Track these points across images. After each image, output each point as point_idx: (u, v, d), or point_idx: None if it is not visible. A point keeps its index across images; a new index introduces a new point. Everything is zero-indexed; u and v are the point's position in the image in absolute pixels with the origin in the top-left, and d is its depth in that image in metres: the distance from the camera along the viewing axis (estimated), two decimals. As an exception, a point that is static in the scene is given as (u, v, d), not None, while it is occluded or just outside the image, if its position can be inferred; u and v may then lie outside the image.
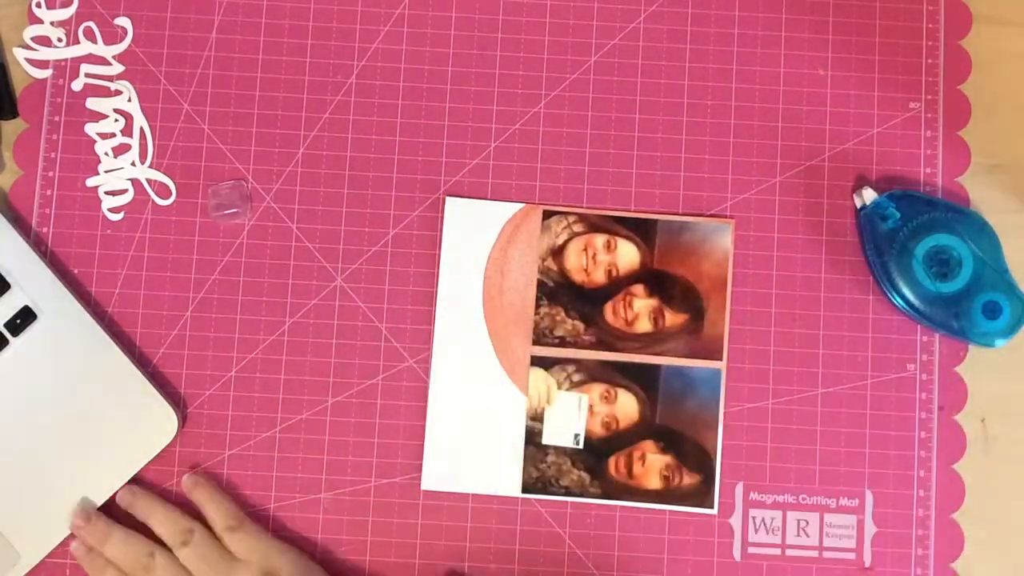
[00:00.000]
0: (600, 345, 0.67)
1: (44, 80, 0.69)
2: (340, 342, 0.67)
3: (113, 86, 0.69)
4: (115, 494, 0.65)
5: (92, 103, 0.69)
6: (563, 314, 0.67)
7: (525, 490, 0.66)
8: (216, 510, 0.65)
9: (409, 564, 0.66)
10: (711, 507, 0.66)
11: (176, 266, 0.68)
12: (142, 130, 0.69)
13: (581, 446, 0.66)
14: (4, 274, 0.66)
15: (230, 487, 0.66)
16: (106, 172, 0.69)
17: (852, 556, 0.66)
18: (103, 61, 0.69)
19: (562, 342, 0.67)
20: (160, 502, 0.65)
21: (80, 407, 0.65)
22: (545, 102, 0.69)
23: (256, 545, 0.64)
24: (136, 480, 0.66)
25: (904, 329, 0.68)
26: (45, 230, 0.68)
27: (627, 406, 0.67)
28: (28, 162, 0.68)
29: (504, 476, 0.66)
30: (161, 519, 0.64)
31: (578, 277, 0.68)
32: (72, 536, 0.65)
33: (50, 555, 0.65)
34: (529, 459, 0.66)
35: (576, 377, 0.67)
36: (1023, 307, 0.66)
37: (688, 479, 0.66)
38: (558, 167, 0.69)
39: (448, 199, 0.68)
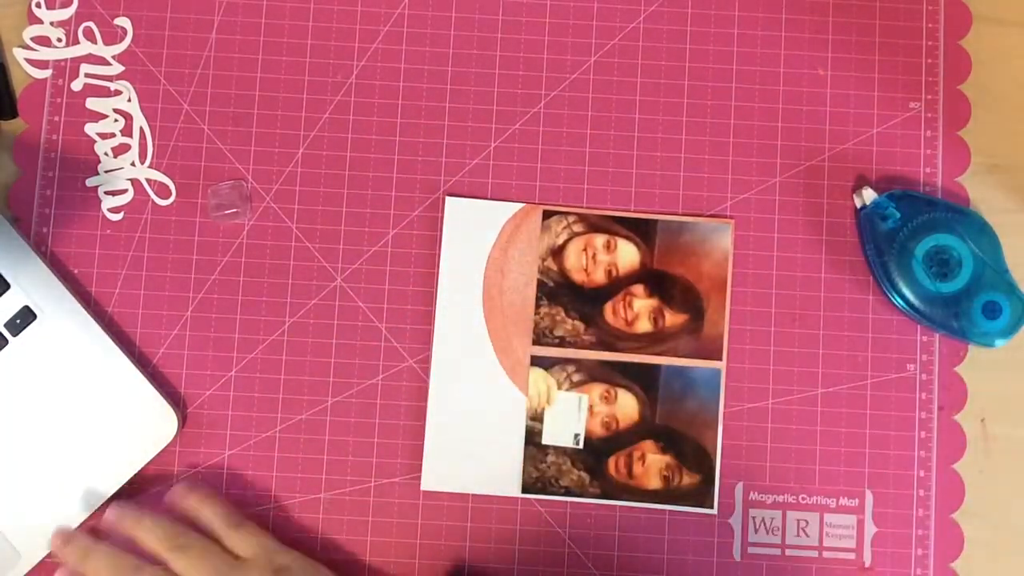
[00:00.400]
0: (600, 345, 0.67)
1: (44, 80, 0.69)
2: (340, 342, 0.67)
3: (113, 86, 0.69)
4: (108, 503, 0.65)
5: (92, 103, 0.69)
6: (563, 314, 0.67)
7: (525, 490, 0.66)
8: (214, 510, 0.63)
9: (409, 564, 0.66)
10: (711, 507, 0.66)
11: (176, 266, 0.68)
12: (142, 130, 0.69)
13: (581, 446, 0.66)
14: (4, 274, 0.66)
15: (230, 487, 0.66)
16: (106, 172, 0.69)
17: (852, 556, 0.66)
18: (103, 61, 0.69)
19: (562, 342, 0.67)
20: (148, 512, 0.62)
21: (80, 407, 0.65)
22: (545, 102, 0.69)
23: (262, 542, 0.62)
24: (136, 480, 0.66)
25: (904, 329, 0.68)
26: (45, 230, 0.68)
27: (627, 406, 0.67)
28: (28, 162, 0.68)
29: (504, 476, 0.66)
30: (150, 527, 0.61)
31: (578, 277, 0.68)
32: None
33: (50, 555, 0.65)
34: (529, 459, 0.66)
35: (576, 377, 0.67)
36: (1023, 307, 0.66)
37: (688, 479, 0.66)
38: (558, 167, 0.69)
39: (448, 199, 0.68)
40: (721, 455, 0.66)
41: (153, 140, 0.69)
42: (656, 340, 0.67)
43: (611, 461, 0.66)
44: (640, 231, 0.68)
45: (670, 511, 0.66)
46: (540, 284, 0.68)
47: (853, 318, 0.68)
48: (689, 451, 0.66)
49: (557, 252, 0.68)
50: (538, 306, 0.67)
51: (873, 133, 0.69)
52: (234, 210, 0.68)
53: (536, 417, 0.67)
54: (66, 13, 0.70)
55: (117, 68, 0.69)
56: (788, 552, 0.66)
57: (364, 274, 0.68)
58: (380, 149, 0.69)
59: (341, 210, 0.68)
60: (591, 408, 0.67)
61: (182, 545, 0.60)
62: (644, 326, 0.67)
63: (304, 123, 0.69)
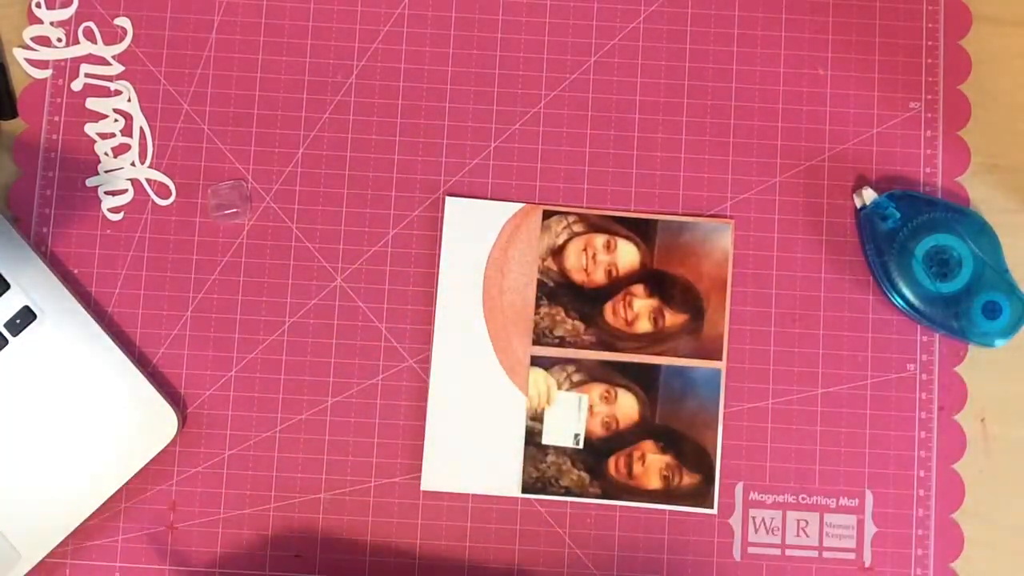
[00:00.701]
0: (600, 345, 0.67)
1: (44, 80, 0.69)
2: (340, 342, 0.67)
3: (113, 86, 0.69)
4: (107, 502, 0.65)
5: (92, 103, 0.69)
6: (563, 314, 0.67)
7: (525, 490, 0.66)
8: None
9: (409, 564, 0.66)
10: (711, 507, 0.66)
11: (176, 266, 0.68)
12: (142, 130, 0.69)
13: (581, 446, 0.66)
14: (4, 274, 0.66)
15: (230, 487, 0.66)
16: (106, 172, 0.69)
17: (852, 556, 0.66)
18: (103, 61, 0.69)
19: (562, 342, 0.67)
20: None
21: (80, 407, 0.65)
22: (545, 102, 0.69)
23: None
24: (136, 480, 0.65)
25: (904, 329, 0.68)
26: (45, 230, 0.68)
27: (627, 406, 0.67)
28: (28, 162, 0.68)
29: (504, 476, 0.66)
30: None
31: (578, 277, 0.68)
32: (72, 536, 0.65)
33: (50, 555, 0.65)
34: (529, 459, 0.66)
35: (576, 377, 0.67)
36: (1023, 307, 0.66)
37: (688, 479, 0.66)
38: (558, 167, 0.69)
39: (448, 199, 0.68)
40: (721, 455, 0.66)
41: (153, 140, 0.69)
42: (656, 340, 0.67)
43: (611, 461, 0.66)
44: (640, 231, 0.68)
45: (670, 511, 0.66)
46: (540, 284, 0.68)
47: (853, 318, 0.68)
48: (689, 451, 0.66)
49: (557, 252, 0.68)
50: (538, 306, 0.67)
51: (873, 133, 0.69)
52: (234, 210, 0.68)
53: (536, 417, 0.67)
54: (66, 13, 0.70)
55: (117, 68, 0.69)
56: (788, 552, 0.66)
57: (364, 274, 0.68)
58: (380, 149, 0.69)
59: (341, 210, 0.68)
60: (591, 408, 0.67)
61: None
62: (644, 326, 0.67)
63: (304, 123, 0.69)
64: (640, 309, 0.67)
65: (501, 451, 0.66)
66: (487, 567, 0.66)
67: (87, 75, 0.69)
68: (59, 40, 0.69)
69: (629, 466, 0.66)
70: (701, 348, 0.67)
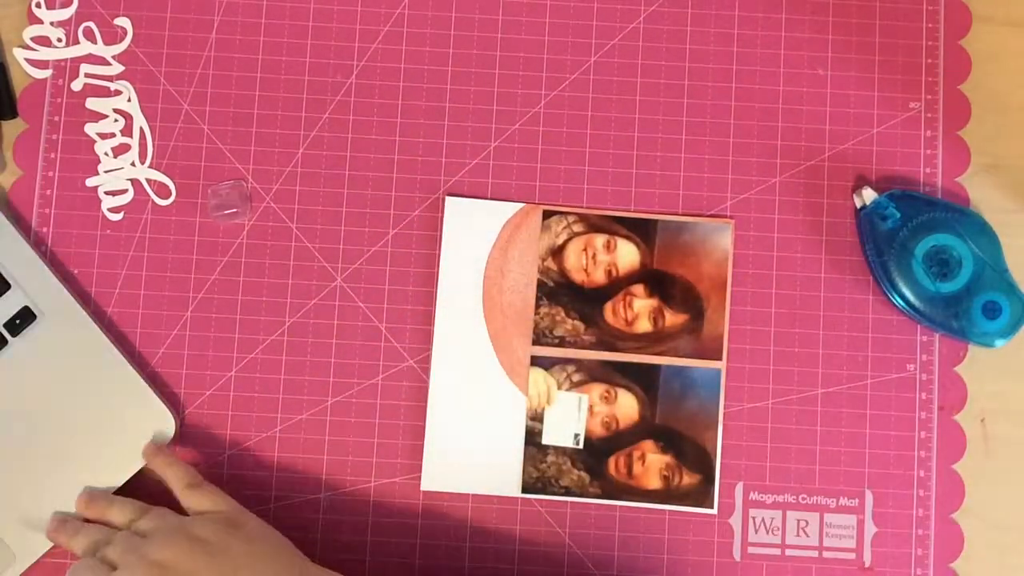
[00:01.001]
0: (600, 345, 0.67)
1: (44, 80, 0.69)
2: (340, 342, 0.67)
3: (113, 86, 0.69)
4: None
5: (92, 103, 0.69)
6: (563, 314, 0.67)
7: (525, 490, 0.66)
8: (176, 472, 0.63)
9: (409, 564, 0.66)
10: (711, 507, 0.66)
11: (176, 266, 0.68)
12: (142, 130, 0.69)
13: (581, 446, 0.66)
14: (4, 274, 0.66)
15: (230, 487, 0.66)
16: (106, 172, 0.69)
17: (852, 556, 0.66)
18: (103, 61, 0.69)
19: (562, 342, 0.67)
20: (115, 496, 0.64)
21: (78, 408, 0.65)
22: (545, 102, 0.69)
23: (219, 500, 0.62)
24: (133, 481, 0.65)
25: (904, 329, 0.68)
26: (45, 230, 0.68)
27: (627, 406, 0.67)
28: (28, 162, 0.68)
29: (504, 476, 0.66)
30: (119, 507, 0.63)
31: (578, 277, 0.68)
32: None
33: (49, 555, 0.65)
34: (529, 459, 0.66)
35: (576, 377, 0.67)
36: (1023, 307, 0.66)
37: (688, 479, 0.66)
38: (558, 167, 0.69)
39: (448, 199, 0.68)
40: (721, 455, 0.66)
41: (153, 140, 0.69)
42: (656, 340, 0.67)
43: (611, 461, 0.66)
44: (640, 231, 0.68)
45: (670, 511, 0.66)
46: (540, 284, 0.68)
47: (853, 318, 0.68)
48: (689, 451, 0.66)
49: (557, 252, 0.68)
50: (538, 306, 0.67)
51: (873, 133, 0.69)
52: (234, 210, 0.68)
53: (536, 417, 0.67)
54: (66, 13, 0.70)
55: (117, 68, 0.69)
56: (788, 552, 0.66)
57: (364, 274, 0.68)
58: (380, 149, 0.69)
59: (341, 210, 0.68)
60: (591, 408, 0.67)
61: (144, 510, 0.62)
62: (644, 326, 0.67)
63: (304, 123, 0.69)
64: (640, 309, 0.67)
65: (501, 451, 0.66)
66: (487, 567, 0.66)
67: (87, 75, 0.69)
68: (59, 40, 0.69)
69: (629, 466, 0.66)
70: (701, 348, 0.67)
